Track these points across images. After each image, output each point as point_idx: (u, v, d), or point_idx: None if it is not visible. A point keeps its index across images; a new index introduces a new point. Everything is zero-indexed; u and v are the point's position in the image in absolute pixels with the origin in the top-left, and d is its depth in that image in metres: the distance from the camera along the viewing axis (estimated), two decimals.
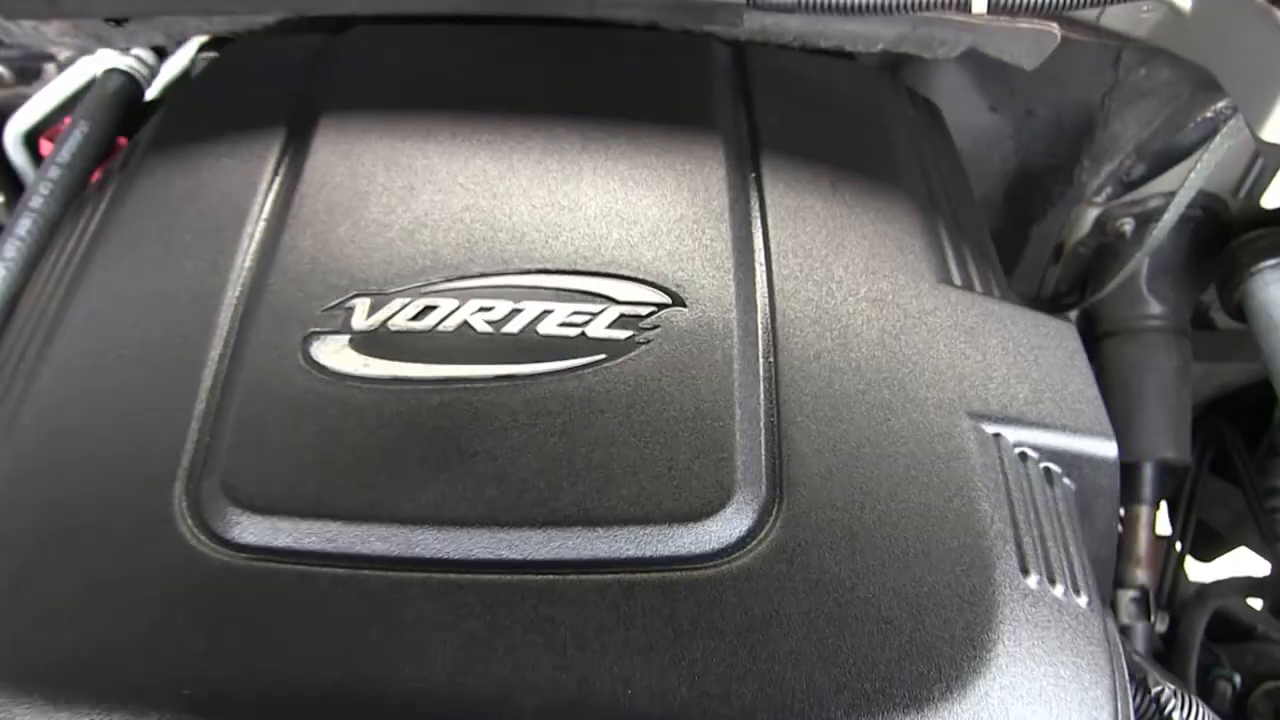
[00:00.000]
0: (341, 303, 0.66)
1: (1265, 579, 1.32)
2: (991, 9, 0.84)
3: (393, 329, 0.64)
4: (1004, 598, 0.56)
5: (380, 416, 0.60)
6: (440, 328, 0.64)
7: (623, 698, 0.50)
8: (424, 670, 0.51)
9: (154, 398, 0.62)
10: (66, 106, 1.15)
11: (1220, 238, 1.20)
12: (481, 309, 0.65)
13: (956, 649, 0.53)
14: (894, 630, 0.53)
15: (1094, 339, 1.29)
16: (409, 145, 0.75)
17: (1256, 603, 1.34)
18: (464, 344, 0.63)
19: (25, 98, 1.19)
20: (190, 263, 0.69)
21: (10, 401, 0.65)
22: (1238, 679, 1.25)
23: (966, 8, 0.83)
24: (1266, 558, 1.27)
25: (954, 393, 0.65)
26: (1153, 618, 1.28)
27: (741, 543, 0.56)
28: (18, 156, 1.18)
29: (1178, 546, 1.43)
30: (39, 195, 0.97)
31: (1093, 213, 1.23)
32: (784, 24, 0.91)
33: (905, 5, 0.84)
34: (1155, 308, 1.23)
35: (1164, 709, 0.69)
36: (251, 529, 0.56)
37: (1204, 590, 1.41)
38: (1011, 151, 1.30)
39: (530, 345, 0.64)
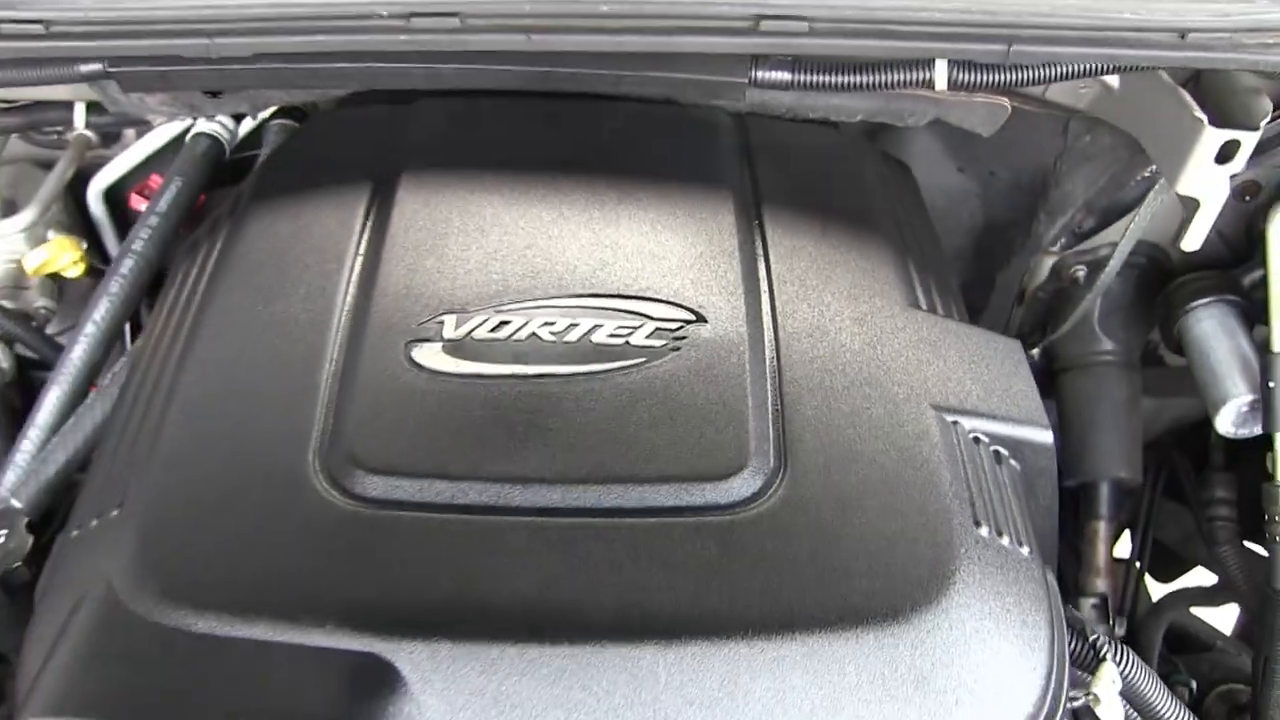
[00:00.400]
0: (433, 318, 0.84)
1: (1213, 586, 1.50)
2: (951, 86, 1.04)
3: (476, 338, 0.82)
4: (959, 540, 0.73)
5: (471, 403, 0.78)
6: (513, 337, 0.82)
7: (668, 606, 0.67)
8: (517, 588, 0.68)
9: (284, 393, 0.80)
10: (144, 166, 1.33)
11: (1163, 282, 1.39)
12: (545, 323, 0.83)
13: (923, 576, 0.71)
14: (874, 561, 0.71)
15: (1054, 373, 1.48)
16: (477, 196, 0.94)
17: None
18: (533, 349, 0.81)
19: (105, 159, 1.38)
20: (303, 288, 0.87)
21: (159, 400, 0.82)
22: (1194, 684, 1.42)
23: (930, 85, 1.04)
24: (1214, 570, 1.45)
25: (920, 389, 0.83)
26: (1112, 622, 1.45)
27: (755, 497, 0.74)
28: (97, 209, 1.37)
29: (1137, 565, 1.61)
30: (139, 239, 1.16)
31: (1049, 261, 1.42)
32: (778, 99, 1.11)
33: (878, 84, 1.05)
34: (1107, 344, 1.42)
35: (1099, 652, 0.87)
36: (373, 486, 0.74)
37: (1161, 602, 1.59)
38: (978, 208, 1.50)
39: (585, 351, 0.82)
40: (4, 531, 0.92)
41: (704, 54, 1.03)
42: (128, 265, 1.13)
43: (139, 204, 1.25)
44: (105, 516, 0.77)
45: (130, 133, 1.35)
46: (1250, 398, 1.20)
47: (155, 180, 1.25)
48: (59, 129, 1.30)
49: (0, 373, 1.24)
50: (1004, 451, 0.85)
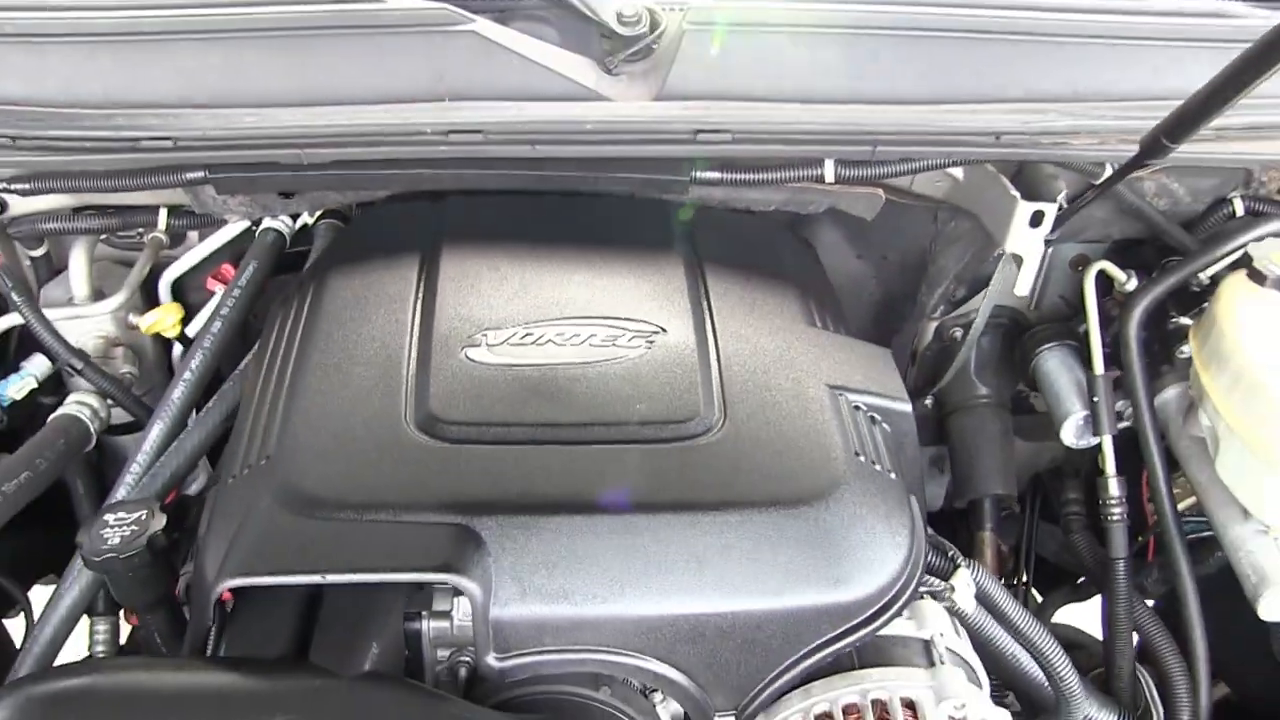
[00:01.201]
0: (478, 332, 1.23)
1: (1080, 584, 1.91)
2: (837, 180, 1.50)
3: (509, 344, 1.22)
4: (844, 458, 1.13)
5: (509, 381, 1.17)
6: (535, 342, 1.22)
7: (650, 493, 1.06)
8: (550, 486, 1.07)
9: (380, 380, 1.17)
10: (210, 261, 1.73)
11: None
12: (557, 333, 1.23)
13: (820, 476, 1.10)
14: (785, 469, 1.11)
15: (943, 416, 1.91)
16: (499, 258, 1.35)
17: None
18: (549, 349, 1.22)
19: (172, 258, 1.77)
20: (382, 317, 1.27)
21: (284, 391, 1.21)
22: None
23: (822, 179, 1.49)
24: (1072, 557, 1.84)
25: (816, 373, 1.23)
26: None
27: (704, 433, 1.13)
28: (165, 296, 1.76)
29: (1023, 576, 2.01)
30: (226, 307, 1.55)
31: (933, 325, 1.86)
32: (712, 194, 1.56)
33: (785, 179, 1.50)
34: (982, 390, 1.85)
35: (955, 562, 1.26)
36: (450, 431, 1.12)
37: (1037, 606, 1.99)
38: (875, 287, 1.94)
39: (585, 349, 1.22)
40: (144, 512, 1.28)
41: (657, 158, 1.48)
42: (216, 326, 1.52)
43: (214, 286, 1.64)
44: (256, 465, 1.14)
45: (193, 235, 1.75)
46: (1084, 413, 1.63)
47: (226, 268, 1.65)
48: (140, 230, 1.70)
49: (100, 421, 1.61)
50: (877, 417, 1.26)
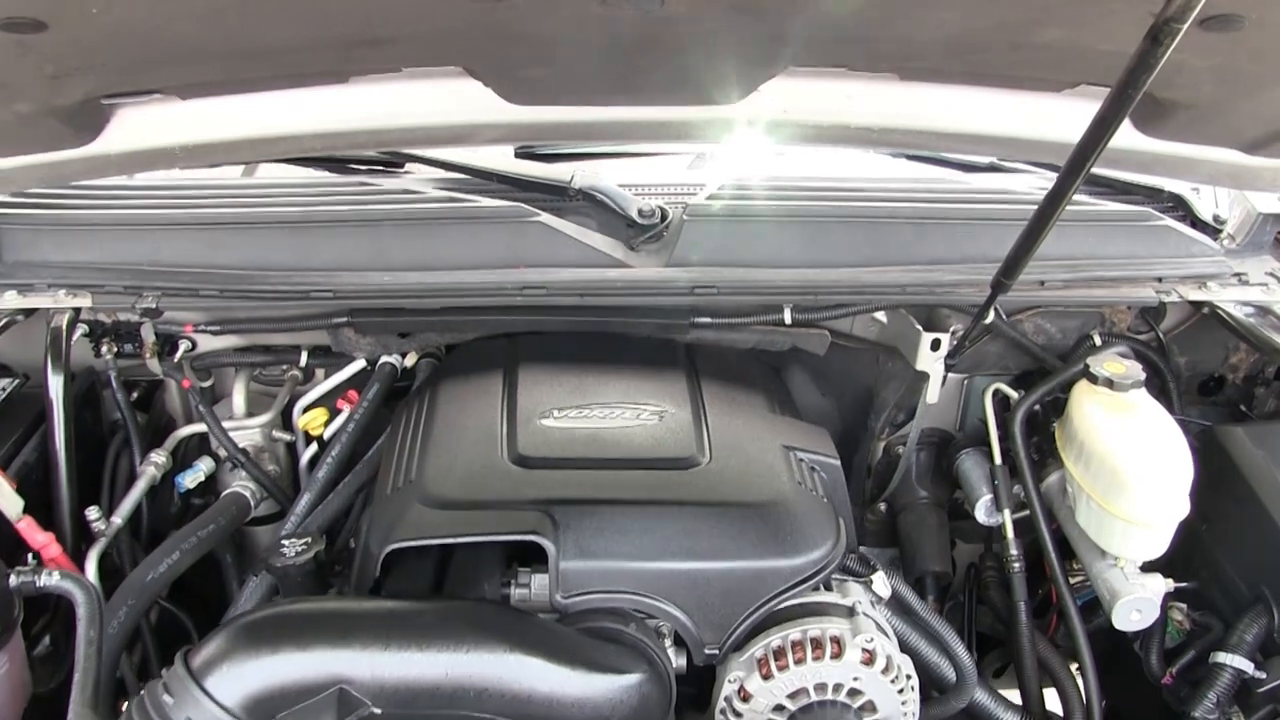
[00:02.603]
0: (546, 411, 1.91)
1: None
2: (794, 321, 2.20)
3: (569, 417, 1.88)
4: (791, 484, 1.77)
5: (570, 436, 1.83)
6: (585, 417, 1.90)
7: (657, 503, 1.72)
8: (600, 496, 1.72)
9: (482, 439, 1.84)
10: (332, 394, 2.41)
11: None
12: (600, 412, 1.90)
13: (774, 491, 1.74)
14: (750, 489, 1.75)
15: (894, 516, 2.53)
16: (560, 370, 2.05)
17: None
18: (594, 420, 1.89)
19: (303, 391, 2.46)
20: (479, 404, 1.94)
21: (417, 449, 1.87)
22: None
23: (782, 321, 2.20)
24: (991, 610, 2.40)
25: (775, 437, 1.90)
26: None
27: (696, 466, 1.78)
28: (295, 419, 2.43)
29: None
30: (358, 414, 2.23)
31: (881, 444, 2.51)
32: (705, 335, 2.26)
33: (758, 322, 2.21)
34: (922, 493, 2.48)
35: (874, 568, 1.87)
36: (532, 462, 1.76)
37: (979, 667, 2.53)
38: (836, 418, 2.59)
39: (619, 420, 1.89)
40: (311, 539, 1.93)
41: (666, 308, 2.19)
42: (351, 425, 2.19)
43: (342, 404, 2.32)
44: (403, 486, 1.79)
45: (320, 373, 2.44)
46: (990, 496, 2.26)
47: (352, 394, 2.33)
48: (284, 368, 2.39)
49: (255, 502, 2.26)
50: (816, 467, 1.91)
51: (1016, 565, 2.17)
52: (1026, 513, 2.22)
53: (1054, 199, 1.57)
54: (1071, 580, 2.23)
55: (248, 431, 2.33)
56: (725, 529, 1.69)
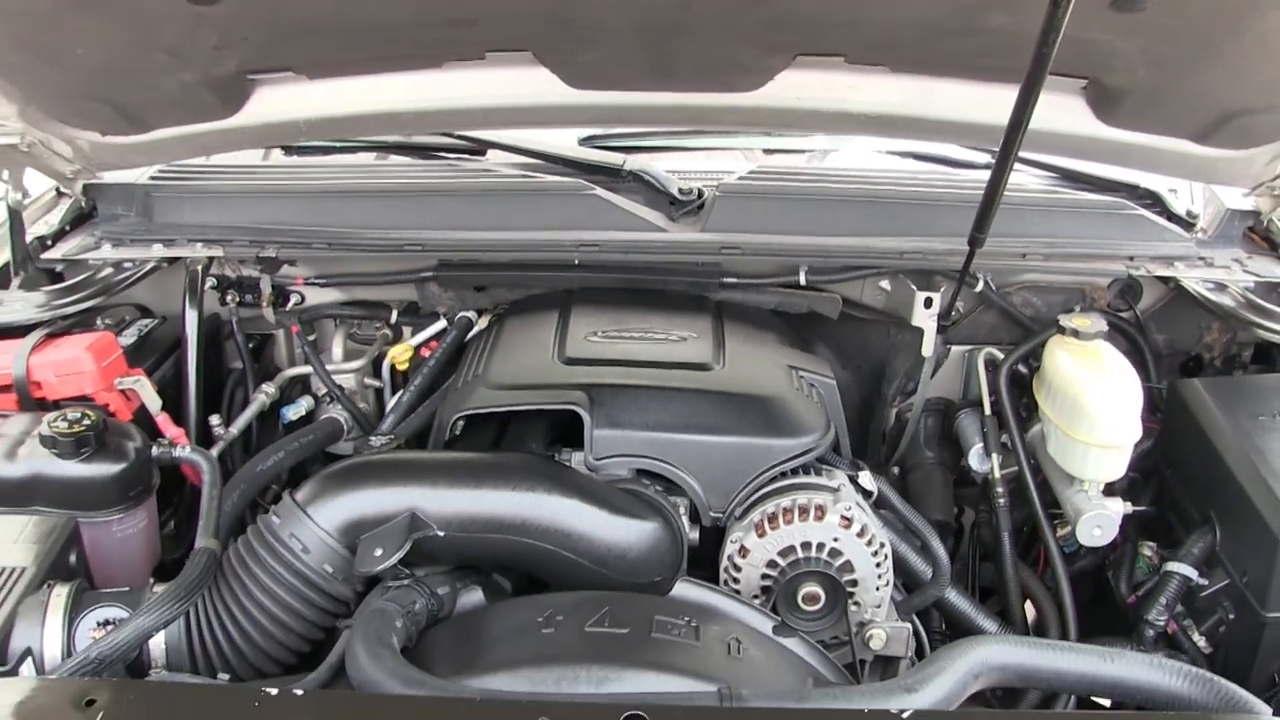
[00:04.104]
0: (591, 332, 2.38)
1: None
2: (808, 285, 2.66)
3: (608, 336, 2.36)
4: (789, 386, 2.20)
5: (608, 347, 2.30)
6: (622, 339, 2.36)
7: (680, 385, 2.17)
8: (630, 383, 2.18)
9: (538, 347, 2.32)
10: (418, 346, 2.91)
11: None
12: (636, 334, 2.37)
13: (779, 385, 2.18)
14: (757, 384, 2.19)
15: (903, 473, 2.92)
16: (604, 310, 2.52)
17: None
18: (631, 341, 2.35)
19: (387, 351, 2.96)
20: (539, 326, 2.44)
21: (484, 355, 2.35)
22: None
23: (798, 284, 2.65)
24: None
25: (781, 358, 2.34)
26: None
27: (712, 369, 2.24)
28: (385, 374, 2.93)
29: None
30: (437, 355, 2.72)
31: (894, 410, 2.92)
32: (732, 295, 2.72)
33: (777, 284, 2.67)
34: (928, 454, 2.88)
35: (861, 468, 2.28)
36: (578, 361, 2.26)
37: None
38: (855, 390, 3.00)
39: (651, 341, 2.35)
40: (390, 436, 2.40)
41: (700, 267, 2.66)
42: (430, 363, 2.68)
43: (425, 352, 2.81)
44: (473, 376, 2.25)
45: (406, 331, 2.94)
46: (981, 444, 2.66)
47: (434, 344, 2.81)
48: (377, 325, 2.90)
49: (345, 430, 2.74)
50: (814, 384, 2.34)
51: (1002, 500, 2.55)
52: (1015, 469, 2.60)
53: (1004, 153, 1.98)
54: (1059, 534, 2.59)
55: (343, 375, 2.83)
56: (731, 411, 2.13)
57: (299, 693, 1.60)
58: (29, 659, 1.78)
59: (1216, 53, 2.08)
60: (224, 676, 1.90)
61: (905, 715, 1.51)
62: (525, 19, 2.16)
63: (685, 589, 1.94)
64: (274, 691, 1.52)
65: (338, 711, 1.58)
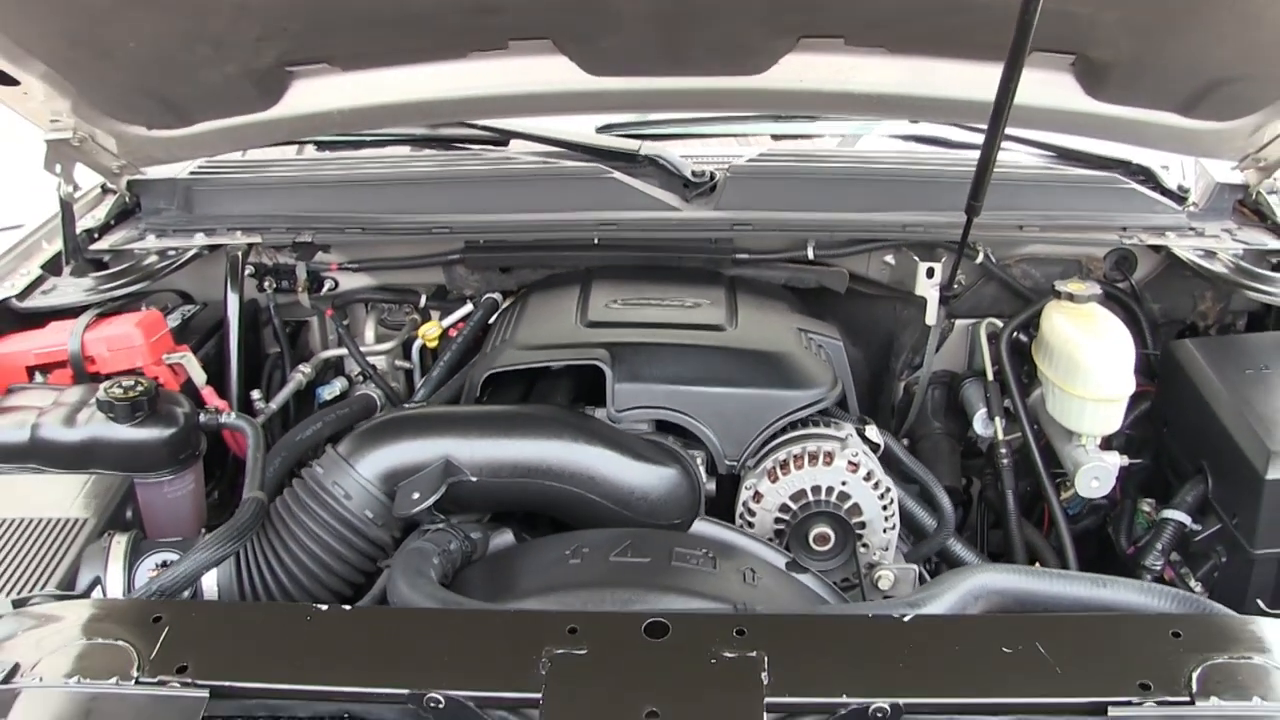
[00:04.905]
0: (615, 300, 2.54)
1: None
2: (815, 258, 2.81)
3: (627, 304, 2.52)
4: (798, 346, 2.35)
5: (628, 314, 2.46)
6: (639, 305, 2.52)
7: (695, 343, 2.32)
8: (649, 340, 2.34)
9: (561, 314, 2.48)
10: (449, 327, 3.07)
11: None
12: (654, 302, 2.54)
13: (788, 342, 2.33)
14: (768, 342, 2.35)
15: (913, 443, 3.06)
16: (624, 282, 2.67)
17: None
18: (648, 308, 2.52)
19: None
20: (563, 297, 2.60)
21: (512, 322, 2.52)
22: None
23: (806, 259, 2.81)
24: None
25: (790, 322, 2.49)
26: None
27: (725, 330, 2.40)
28: (414, 356, 3.09)
29: None
30: (464, 334, 2.88)
31: (901, 383, 3.06)
32: (745, 271, 2.88)
33: (788, 259, 2.82)
34: (936, 425, 3.01)
35: (867, 423, 2.42)
36: (600, 324, 2.43)
37: None
38: (864, 364, 3.13)
39: (666, 307, 2.51)
40: (420, 404, 2.56)
41: (715, 245, 2.82)
42: (458, 342, 2.83)
43: (453, 333, 2.97)
44: (499, 344, 2.41)
45: (435, 315, 3.10)
46: (984, 409, 2.80)
47: (461, 325, 2.97)
48: (406, 310, 3.07)
49: (378, 406, 2.89)
50: (822, 345, 2.48)
51: (1005, 461, 2.68)
52: (1018, 435, 2.74)
53: (994, 122, 2.12)
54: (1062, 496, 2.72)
55: (376, 357, 2.99)
56: (744, 365, 2.29)
57: (347, 609, 1.75)
58: (99, 587, 1.92)
59: (1195, 20, 2.22)
60: None
61: (906, 618, 1.64)
62: (547, 6, 2.32)
63: (703, 526, 2.08)
64: (324, 607, 1.66)
65: (382, 623, 1.71)
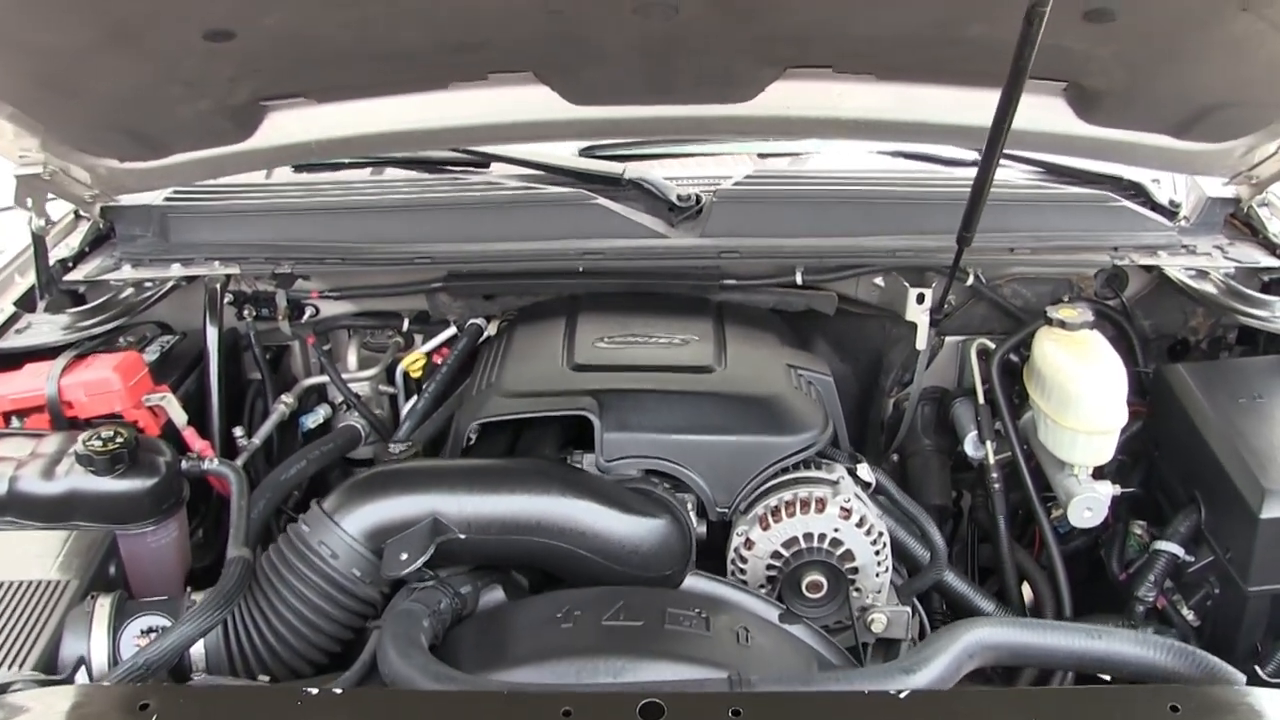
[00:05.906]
0: (602, 338, 2.49)
1: None
2: (804, 284, 2.78)
3: (615, 342, 2.49)
4: (788, 385, 2.33)
5: (615, 354, 2.42)
6: (626, 343, 2.49)
7: (684, 389, 2.30)
8: (636, 388, 2.32)
9: (548, 356, 2.44)
10: (430, 353, 3.03)
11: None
12: (641, 340, 2.50)
13: (778, 383, 2.32)
14: (757, 383, 2.31)
15: (902, 460, 3.05)
16: (610, 315, 2.64)
17: None
18: (635, 346, 2.49)
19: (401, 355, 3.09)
20: (548, 332, 2.56)
21: (497, 363, 2.48)
22: None
23: (794, 283, 2.78)
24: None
25: (780, 357, 2.46)
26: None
27: (714, 371, 2.37)
28: (398, 380, 3.05)
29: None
30: (450, 362, 2.84)
31: (891, 400, 3.04)
32: (732, 296, 2.85)
33: (775, 284, 2.79)
34: (926, 441, 3.00)
35: (858, 461, 2.41)
36: (586, 367, 2.37)
37: None
38: (853, 381, 3.12)
39: (655, 345, 2.48)
40: (408, 443, 2.53)
41: (701, 272, 2.79)
42: (443, 370, 2.80)
43: (437, 359, 2.93)
44: (486, 386, 2.38)
45: (418, 339, 3.06)
46: (975, 431, 2.78)
47: (445, 351, 2.94)
48: (389, 334, 3.03)
49: (363, 438, 2.86)
50: (812, 381, 2.46)
51: (996, 485, 2.67)
52: (1009, 454, 2.72)
53: (987, 157, 2.09)
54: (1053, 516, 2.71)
55: (359, 383, 2.95)
56: (733, 411, 2.26)
57: (338, 691, 1.73)
58: (83, 667, 1.90)
59: (1187, 55, 2.20)
60: (264, 678, 2.03)
61: (903, 695, 1.63)
62: (529, 42, 2.27)
63: (695, 581, 2.07)
64: (314, 691, 1.64)
65: (374, 708, 1.70)
